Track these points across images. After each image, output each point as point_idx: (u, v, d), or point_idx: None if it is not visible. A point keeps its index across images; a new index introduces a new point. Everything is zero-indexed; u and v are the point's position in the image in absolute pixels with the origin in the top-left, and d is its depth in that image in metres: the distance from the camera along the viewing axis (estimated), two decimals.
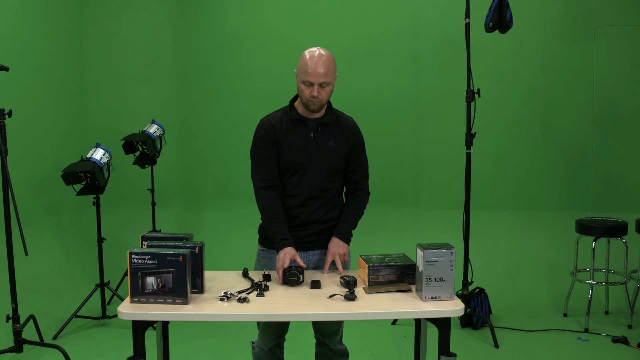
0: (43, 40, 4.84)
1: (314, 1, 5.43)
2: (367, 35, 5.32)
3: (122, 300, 2.96)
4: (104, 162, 3.99)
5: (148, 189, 5.00)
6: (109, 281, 4.38)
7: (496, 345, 3.93)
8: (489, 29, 4.10)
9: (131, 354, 2.18)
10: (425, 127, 5.33)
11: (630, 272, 4.48)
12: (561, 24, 5.02)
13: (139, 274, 2.18)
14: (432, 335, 2.42)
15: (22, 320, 3.51)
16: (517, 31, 4.41)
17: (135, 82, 5.68)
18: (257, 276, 2.57)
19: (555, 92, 5.12)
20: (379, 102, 5.31)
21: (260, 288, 2.37)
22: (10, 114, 3.27)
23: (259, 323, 2.73)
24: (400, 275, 2.45)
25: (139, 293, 2.19)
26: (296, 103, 2.65)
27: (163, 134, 4.81)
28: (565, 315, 4.44)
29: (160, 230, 4.96)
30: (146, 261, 2.17)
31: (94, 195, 4.16)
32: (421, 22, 5.24)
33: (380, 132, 5.21)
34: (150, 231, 4.70)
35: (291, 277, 2.42)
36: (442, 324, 2.23)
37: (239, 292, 2.32)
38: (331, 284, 2.47)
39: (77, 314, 4.20)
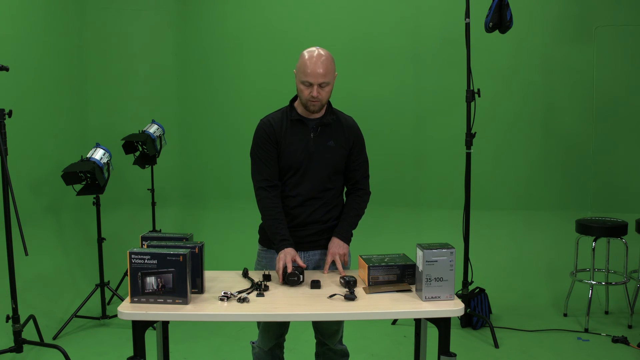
0: (43, 40, 4.84)
1: (314, 1, 5.43)
2: (367, 35, 5.32)
3: (122, 300, 2.96)
4: (104, 162, 3.99)
5: (148, 189, 5.00)
6: (109, 281, 4.38)
7: (496, 345, 3.93)
8: (489, 29, 4.10)
9: (131, 354, 2.18)
10: (425, 127, 5.33)
11: (630, 272, 4.48)
12: (561, 24, 5.02)
13: (139, 274, 2.18)
14: (432, 335, 2.42)
15: (22, 320, 3.51)
16: (517, 31, 4.41)
17: (135, 82, 5.68)
18: (257, 276, 2.56)
19: (555, 92, 5.12)
20: (379, 102, 5.31)
21: (260, 288, 2.37)
22: (10, 114, 3.27)
23: (259, 323, 2.72)
24: (400, 275, 2.45)
25: (139, 293, 2.19)
26: (296, 103, 2.65)
27: (163, 134, 4.81)
28: (565, 315, 4.45)
29: (160, 230, 4.96)
30: (146, 261, 2.17)
31: (94, 195, 4.16)
32: (421, 22, 5.24)
33: (380, 132, 5.21)
34: (150, 231, 4.70)
35: (291, 277, 2.42)
36: (442, 324, 2.23)
37: (239, 292, 2.32)
38: (331, 284, 2.47)
39: (77, 314, 4.20)
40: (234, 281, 2.51)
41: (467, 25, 4.06)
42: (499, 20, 4.04)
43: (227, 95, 5.69)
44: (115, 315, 4.09)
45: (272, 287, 2.42)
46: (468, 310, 4.18)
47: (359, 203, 2.72)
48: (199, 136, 5.85)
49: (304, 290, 2.39)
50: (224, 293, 2.28)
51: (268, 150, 2.59)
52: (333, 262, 2.61)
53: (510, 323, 4.30)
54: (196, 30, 5.73)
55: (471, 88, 4.11)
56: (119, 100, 5.61)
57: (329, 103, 2.63)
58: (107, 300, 4.51)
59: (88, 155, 4.00)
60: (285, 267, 2.44)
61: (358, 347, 3.75)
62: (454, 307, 2.22)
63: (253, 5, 5.56)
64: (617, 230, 4.14)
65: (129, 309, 2.15)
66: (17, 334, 3.40)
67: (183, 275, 2.18)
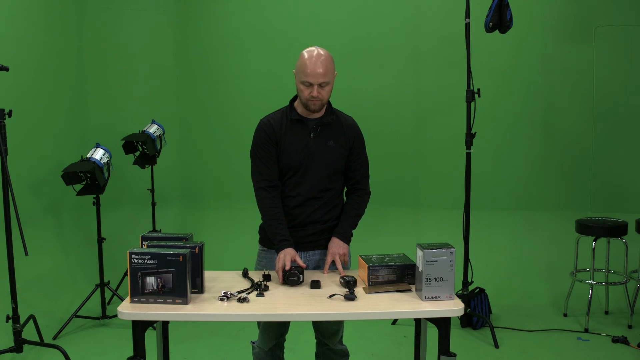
0: (43, 40, 4.84)
1: (314, 1, 5.43)
2: (367, 35, 5.32)
3: (122, 300, 2.96)
4: (104, 162, 3.99)
5: (148, 189, 5.00)
6: (109, 281, 4.38)
7: (496, 345, 3.93)
8: (489, 29, 4.10)
9: (131, 354, 2.18)
10: (425, 127, 5.33)
11: (630, 272, 4.48)
12: (561, 24, 5.02)
13: (139, 274, 2.18)
14: (432, 335, 2.42)
15: (22, 320, 3.50)
16: (517, 31, 4.41)
17: (135, 82, 5.68)
18: (257, 276, 2.57)
19: (555, 92, 5.12)
20: (379, 102, 5.31)
21: (260, 288, 2.37)
22: (10, 114, 3.27)
23: (259, 323, 2.72)
24: (400, 275, 2.45)
25: (139, 293, 2.19)
26: (296, 103, 2.65)
27: (163, 134, 4.81)
28: (565, 315, 4.44)
29: (160, 230, 4.96)
30: (146, 261, 2.17)
31: (94, 195, 4.16)
32: (421, 22, 5.24)
33: (380, 132, 5.21)
34: (150, 231, 4.70)
35: (291, 277, 2.42)
36: (442, 323, 2.23)
37: (239, 292, 2.32)
38: (331, 284, 2.47)
39: (77, 314, 4.20)
40: (234, 281, 2.51)
41: (467, 25, 4.06)
42: (499, 20, 4.04)
43: (227, 95, 5.69)
44: (115, 315, 4.09)
45: (272, 287, 2.42)
46: (468, 310, 4.18)
47: (359, 203, 2.72)
48: (199, 136, 5.85)
49: (304, 290, 2.39)
50: (224, 293, 2.28)
51: (268, 151, 2.59)
52: (333, 262, 2.61)
53: (510, 323, 4.30)
54: (196, 30, 5.73)
55: (471, 88, 4.11)
56: (119, 100, 5.61)
57: (329, 103, 2.63)
58: (107, 300, 4.51)
59: (88, 155, 3.99)
60: (285, 267, 2.44)
61: (358, 347, 3.75)
62: (454, 307, 2.22)
63: (253, 5, 5.56)
64: (617, 230, 4.14)
65: (129, 309, 2.15)
66: (17, 334, 3.39)
67: (183, 275, 2.18)
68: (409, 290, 2.38)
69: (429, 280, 2.24)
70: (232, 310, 2.18)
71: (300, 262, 2.48)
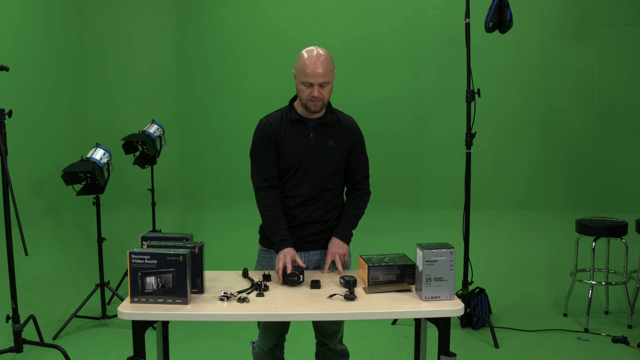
0: (43, 40, 4.84)
1: (314, 1, 5.43)
2: (367, 35, 5.32)
3: (122, 300, 2.96)
4: (104, 162, 3.99)
5: (148, 189, 5.00)
6: (109, 281, 4.38)
7: (496, 345, 3.93)
8: (489, 29, 4.10)
9: (131, 354, 2.18)
10: (425, 127, 5.33)
11: (630, 272, 4.48)
12: (561, 24, 5.02)
13: (139, 274, 2.18)
14: (432, 335, 2.42)
15: (22, 320, 3.50)
16: (517, 31, 4.41)
17: (135, 82, 5.68)
18: (257, 276, 2.56)
19: (555, 92, 5.12)
20: (379, 102, 5.31)
21: (260, 288, 2.37)
22: (10, 114, 3.27)
23: (259, 323, 2.72)
24: (400, 275, 2.45)
25: (139, 293, 2.19)
26: (295, 103, 2.65)
27: (163, 134, 4.81)
28: (565, 315, 4.44)
29: (160, 230, 4.96)
30: (146, 261, 2.17)
31: (94, 195, 4.16)
32: (421, 22, 5.24)
33: (380, 132, 5.21)
34: (150, 231, 4.70)
35: (291, 277, 2.42)
36: (442, 323, 2.23)
37: (239, 292, 2.32)
38: (331, 284, 2.47)
39: (77, 314, 4.20)
40: (234, 281, 2.51)
41: (467, 25, 4.06)
42: (499, 20, 4.04)
43: (227, 95, 5.69)
44: (115, 315, 4.09)
45: (272, 287, 2.42)
46: (468, 310, 4.18)
47: (359, 203, 2.72)
48: (199, 136, 5.85)
49: (304, 290, 2.39)
50: (224, 293, 2.28)
51: (267, 151, 2.59)
52: (333, 262, 2.61)
53: (510, 323, 4.30)
54: (196, 30, 5.73)
55: (471, 88, 4.11)
56: (119, 100, 5.61)
57: (328, 103, 2.63)
58: (107, 300, 4.51)
59: (88, 155, 4.00)
60: (285, 267, 2.44)
61: (358, 347, 3.75)
62: (454, 307, 2.22)
63: (253, 5, 5.56)
64: (617, 230, 4.14)
65: (129, 309, 2.15)
66: (17, 334, 3.39)
67: (183, 275, 2.18)
68: (409, 290, 2.38)
69: (429, 280, 2.24)
70: (232, 310, 2.18)
71: (300, 262, 2.48)
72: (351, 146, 2.66)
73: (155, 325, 2.48)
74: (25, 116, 4.32)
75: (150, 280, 2.18)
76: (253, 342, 2.85)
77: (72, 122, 5.29)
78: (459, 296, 3.50)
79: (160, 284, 2.18)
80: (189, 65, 5.79)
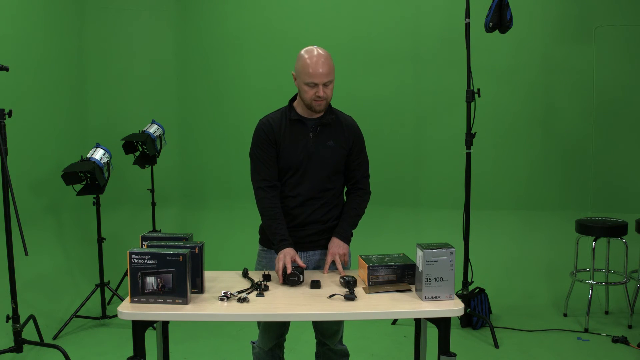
0: (43, 40, 4.84)
1: (314, 1, 5.43)
2: (367, 35, 5.32)
3: (122, 300, 2.96)
4: (104, 162, 3.99)
5: (148, 189, 5.00)
6: (109, 281, 4.38)
7: (496, 345, 3.93)
8: (489, 29, 4.10)
9: (131, 354, 2.18)
10: (425, 127, 5.33)
11: (630, 272, 4.48)
12: (561, 24, 5.02)
13: (139, 274, 2.18)
14: (432, 335, 2.42)
15: (22, 320, 3.50)
16: (517, 31, 4.41)
17: (135, 82, 5.68)
18: (257, 276, 2.56)
19: (555, 92, 5.12)
20: (379, 102, 5.31)
21: (260, 288, 2.37)
22: (10, 114, 3.27)
23: (259, 323, 2.72)
24: (400, 275, 2.45)
25: (139, 293, 2.19)
26: (295, 103, 2.65)
27: (163, 134, 4.81)
28: (565, 315, 4.44)
29: (160, 230, 4.96)
30: (146, 261, 2.17)
31: (94, 195, 4.16)
32: (421, 22, 5.24)
33: (380, 132, 5.21)
34: (150, 231, 4.70)
35: (291, 277, 2.42)
36: (442, 323, 2.23)
37: (239, 292, 2.32)
38: (331, 284, 2.47)
39: (77, 314, 4.20)
40: (234, 281, 2.51)
41: (467, 25, 4.06)
42: (499, 20, 4.04)
43: (227, 95, 5.69)
44: (115, 315, 4.09)
45: (272, 287, 2.42)
46: (468, 310, 4.18)
47: (359, 203, 2.72)
48: (199, 136, 5.86)
49: (304, 290, 2.39)
50: (224, 293, 2.28)
51: (267, 151, 2.59)
52: (333, 262, 2.61)
53: (510, 323, 4.30)
54: (196, 30, 5.73)
55: (471, 88, 4.11)
56: (119, 100, 5.61)
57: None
58: (107, 300, 4.51)
59: (88, 155, 4.00)
60: (285, 267, 2.44)
61: (358, 347, 3.75)
62: (453, 307, 2.22)
63: (253, 5, 5.56)
64: (617, 230, 4.14)
65: (129, 309, 2.15)
66: (17, 334, 3.40)
67: (183, 275, 2.18)
68: (409, 290, 2.38)
69: (429, 280, 2.24)
70: (232, 310, 2.18)
71: (300, 262, 2.47)
72: (351, 146, 2.66)
73: (155, 325, 2.48)
74: (25, 116, 4.32)
75: (150, 280, 2.18)
76: (253, 342, 2.85)
77: (72, 122, 5.30)
78: (459, 296, 3.50)
79: (160, 284, 2.18)
80: (189, 66, 5.79)
